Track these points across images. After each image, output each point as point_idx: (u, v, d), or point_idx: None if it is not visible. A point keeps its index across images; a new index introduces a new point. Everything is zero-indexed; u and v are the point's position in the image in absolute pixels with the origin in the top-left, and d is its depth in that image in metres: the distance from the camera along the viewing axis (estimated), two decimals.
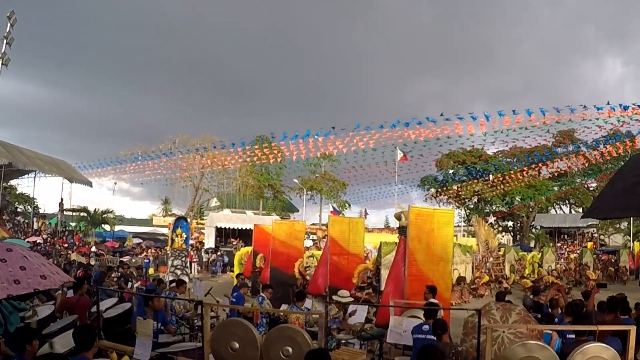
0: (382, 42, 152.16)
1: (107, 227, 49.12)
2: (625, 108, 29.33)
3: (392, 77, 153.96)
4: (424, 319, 8.04)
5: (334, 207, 51.31)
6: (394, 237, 21.57)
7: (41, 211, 47.32)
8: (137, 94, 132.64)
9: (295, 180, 55.76)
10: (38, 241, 33.09)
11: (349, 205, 62.04)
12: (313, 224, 54.70)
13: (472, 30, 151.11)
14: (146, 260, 27.09)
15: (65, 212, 42.81)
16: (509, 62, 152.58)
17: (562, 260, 34.29)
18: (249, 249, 24.32)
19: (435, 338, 6.56)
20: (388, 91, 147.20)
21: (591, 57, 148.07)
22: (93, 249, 35.52)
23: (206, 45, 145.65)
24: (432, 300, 9.61)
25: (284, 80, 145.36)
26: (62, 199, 32.50)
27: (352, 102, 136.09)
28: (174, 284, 13.03)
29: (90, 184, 23.59)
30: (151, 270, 24.95)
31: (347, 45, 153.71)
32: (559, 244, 51.88)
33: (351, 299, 12.54)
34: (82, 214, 47.15)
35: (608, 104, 29.40)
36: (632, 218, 53.43)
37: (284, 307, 11.81)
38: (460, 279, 24.53)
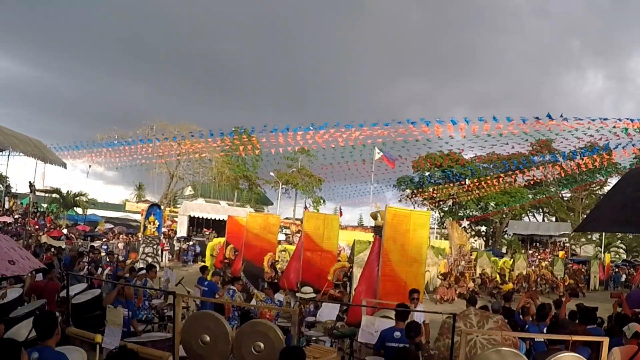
0: (370, 43, 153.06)
1: (79, 210, 48.54)
2: (605, 120, 29.64)
3: (377, 78, 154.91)
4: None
5: (306, 206, 51.41)
6: (368, 236, 21.65)
7: (13, 190, 46.55)
8: (117, 78, 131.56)
9: (272, 174, 55.60)
10: (8, 221, 32.60)
11: (324, 201, 62.20)
12: (287, 218, 54.61)
13: (459, 36, 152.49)
14: (104, 246, 26.73)
15: (37, 193, 42.20)
16: (493, 69, 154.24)
17: (534, 267, 34.61)
18: (222, 239, 24.21)
19: (407, 345, 6.55)
20: (372, 91, 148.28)
21: (574, 69, 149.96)
22: (65, 231, 35.09)
23: (192, 34, 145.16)
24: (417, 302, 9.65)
25: (268, 73, 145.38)
26: (30, 182, 31.89)
27: (336, 100, 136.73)
28: (143, 271, 12.88)
29: (64, 165, 23.15)
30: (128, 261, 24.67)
31: (335, 43, 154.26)
32: (530, 251, 52.39)
33: (313, 295, 12.54)
34: (54, 195, 46.49)
35: (588, 117, 29.70)
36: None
37: (254, 300, 11.75)
38: (445, 275, 24.84)
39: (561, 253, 48.79)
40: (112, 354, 4.54)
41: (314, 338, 9.32)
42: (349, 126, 31.43)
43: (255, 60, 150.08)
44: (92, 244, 29.16)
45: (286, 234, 42.93)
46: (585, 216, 60.53)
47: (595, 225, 6.52)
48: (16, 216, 35.48)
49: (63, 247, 24.26)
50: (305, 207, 48.19)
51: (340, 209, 46.98)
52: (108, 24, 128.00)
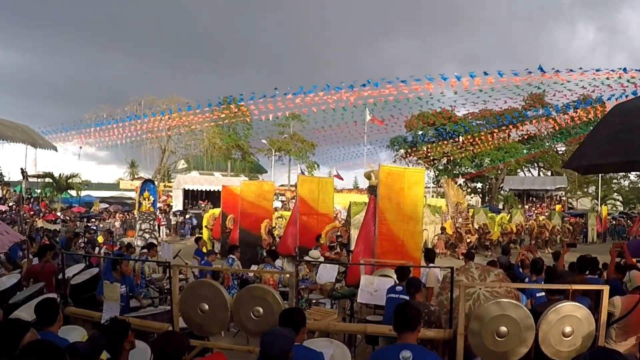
0: (356, 2, 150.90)
1: (73, 193, 48.41)
2: (598, 70, 29.54)
3: (364, 39, 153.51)
4: (395, 278, 8.02)
5: (301, 170, 51.36)
6: (363, 198, 21.60)
7: (5, 179, 46.25)
8: (101, 56, 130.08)
9: (264, 141, 55.43)
10: (3, 209, 32.47)
11: (318, 165, 62.25)
12: (282, 185, 54.63)
13: None
14: (93, 227, 26.70)
15: (30, 179, 41.98)
16: (482, 25, 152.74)
17: (531, 221, 34.74)
18: (217, 211, 24.17)
19: (408, 298, 6.54)
20: (360, 53, 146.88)
21: (564, 23, 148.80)
22: (59, 214, 35.03)
23: (171, 2, 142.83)
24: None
25: (253, 39, 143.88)
26: (21, 168, 31.73)
27: (324, 64, 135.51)
28: (145, 250, 12.84)
29: (55, 149, 22.90)
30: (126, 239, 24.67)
31: (319, 3, 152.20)
32: (527, 206, 52.56)
33: (322, 260, 12.54)
34: (47, 179, 46.27)
35: (580, 68, 29.57)
36: (599, 183, 54.63)
37: (254, 267, 11.75)
38: (442, 229, 25.06)
39: (558, 207, 48.94)
40: (104, 325, 4.47)
41: (314, 301, 9.32)
42: (338, 88, 31.28)
43: (240, 27, 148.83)
44: (88, 224, 29.12)
45: (282, 201, 42.97)
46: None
47: (582, 159, 6.42)
48: (10, 204, 35.31)
49: (58, 230, 24.21)
50: (301, 172, 48.13)
51: (338, 173, 46.80)
52: (88, 1, 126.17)
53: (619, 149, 5.71)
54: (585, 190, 64.02)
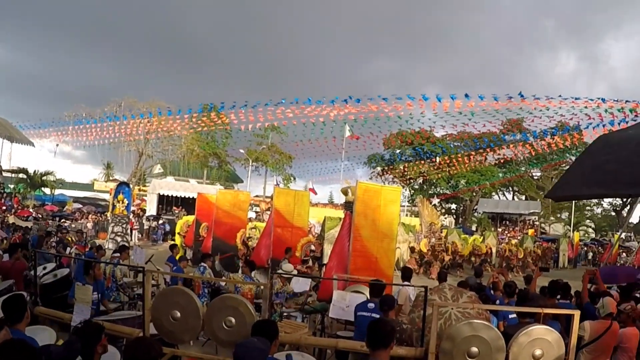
0: (342, 20, 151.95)
1: (47, 191, 47.72)
2: (577, 99, 29.96)
3: (348, 56, 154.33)
4: (368, 295, 8.05)
5: (277, 183, 51.33)
6: (338, 213, 21.69)
7: None
8: (84, 54, 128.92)
9: (242, 151, 55.26)
10: None
11: (294, 178, 62.09)
12: (257, 196, 54.45)
13: (433, 13, 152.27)
14: (66, 227, 26.43)
15: (4, 173, 41.41)
16: (466, 48, 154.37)
17: (503, 244, 35.08)
18: (190, 218, 24.07)
19: (379, 317, 6.57)
20: (344, 69, 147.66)
21: (547, 50, 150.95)
22: (32, 211, 34.54)
23: (159, 8, 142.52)
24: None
25: (238, 49, 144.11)
26: None
27: (307, 78, 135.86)
28: (116, 254, 12.74)
29: (32, 144, 22.65)
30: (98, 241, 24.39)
31: (306, 19, 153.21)
32: (500, 229, 53.03)
33: (295, 273, 12.55)
34: (21, 175, 45.58)
35: (560, 96, 29.97)
36: (572, 209, 55.29)
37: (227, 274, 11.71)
38: (412, 249, 25.20)
39: (531, 231, 49.47)
40: (78, 328, 4.44)
41: (285, 314, 9.32)
42: (319, 102, 31.30)
43: (225, 36, 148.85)
44: (61, 223, 28.78)
45: (256, 212, 42.87)
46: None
47: (566, 189, 6.52)
48: None
49: (30, 227, 23.91)
50: (277, 184, 48.08)
51: (313, 187, 46.84)
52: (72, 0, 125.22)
53: (605, 180, 5.82)
54: (559, 216, 64.84)
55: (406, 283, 9.75)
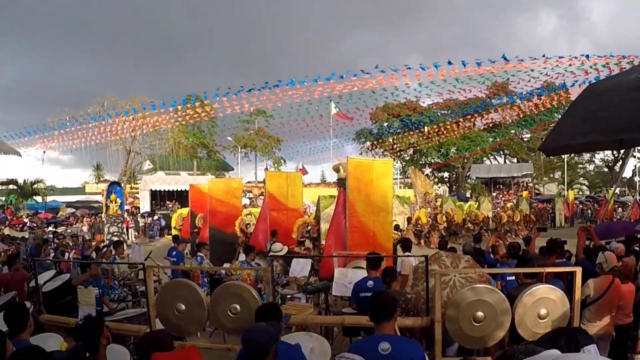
0: None
1: (38, 199, 47.58)
2: (561, 58, 29.96)
3: (326, 31, 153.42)
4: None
5: (267, 167, 51.23)
6: (332, 191, 21.68)
7: None
8: (60, 57, 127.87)
9: (229, 138, 55.08)
10: None
11: (285, 161, 62.08)
12: (249, 182, 54.36)
13: None
14: (62, 233, 26.32)
15: None
16: (444, 15, 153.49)
17: (499, 208, 35.15)
18: (185, 210, 24.03)
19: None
20: (324, 47, 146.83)
21: (526, 11, 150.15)
22: (26, 221, 34.47)
23: (131, 1, 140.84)
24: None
25: (214, 36, 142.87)
26: None
27: (287, 59, 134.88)
28: (107, 249, 12.71)
29: (18, 154, 22.47)
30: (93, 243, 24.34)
31: None
32: (494, 194, 53.10)
33: (286, 250, 12.57)
34: (11, 186, 45.34)
35: (544, 56, 29.95)
36: (565, 168, 55.49)
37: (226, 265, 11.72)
38: (408, 220, 25.31)
39: (525, 193, 49.46)
40: (79, 325, 4.42)
41: (288, 296, 9.34)
42: (303, 82, 31.20)
43: (201, 22, 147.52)
44: (56, 230, 28.69)
45: (250, 198, 42.84)
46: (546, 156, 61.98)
47: (558, 140, 6.49)
48: None
49: (26, 237, 23.83)
50: (267, 169, 48.02)
51: (304, 167, 46.81)
52: (44, 3, 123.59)
53: (599, 128, 5.80)
54: (552, 175, 65.06)
55: (407, 254, 9.77)
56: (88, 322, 4.32)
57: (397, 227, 20.54)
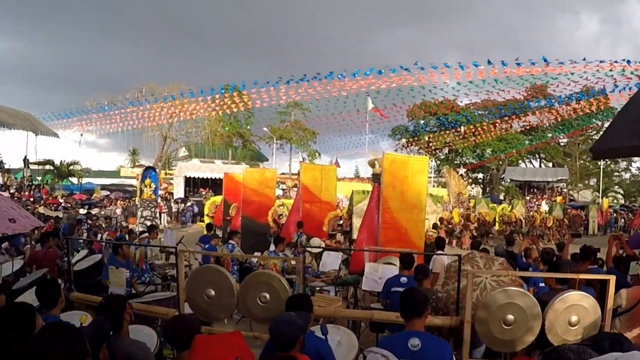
0: None
1: (74, 180, 48.19)
2: (601, 62, 29.42)
3: (365, 26, 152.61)
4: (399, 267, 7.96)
5: (303, 158, 51.30)
6: (365, 186, 21.62)
7: (6, 166, 46.01)
8: (102, 42, 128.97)
9: (265, 129, 55.22)
10: (5, 196, 32.36)
11: (319, 154, 62.01)
12: (283, 174, 54.47)
13: None
14: (96, 215, 26.62)
15: (31, 166, 41.89)
16: (484, 14, 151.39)
17: (532, 212, 34.69)
18: (218, 198, 24.13)
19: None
20: (361, 41, 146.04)
21: (568, 12, 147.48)
22: (61, 201, 34.98)
23: None
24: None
25: (255, 26, 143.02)
26: (25, 157, 31.78)
27: (326, 53, 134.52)
28: (145, 234, 12.80)
29: (56, 135, 22.81)
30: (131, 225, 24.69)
31: None
32: (528, 197, 52.43)
33: (323, 245, 12.56)
34: (48, 167, 46.03)
35: (584, 59, 29.46)
36: (601, 175, 54.56)
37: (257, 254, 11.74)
38: (441, 220, 25.16)
39: (559, 198, 48.83)
40: (102, 302, 4.44)
41: (318, 288, 9.31)
42: (341, 76, 31.12)
43: (242, 13, 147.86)
44: (90, 211, 29.09)
45: (283, 189, 42.93)
46: (582, 161, 61.02)
47: (613, 141, 6.28)
48: (11, 191, 35.21)
49: (60, 216, 24.18)
50: (302, 161, 48.09)
51: (337, 160, 46.81)
52: None
53: None
54: (587, 182, 63.97)
55: (439, 252, 9.66)
56: (111, 299, 4.36)
57: (435, 226, 20.40)
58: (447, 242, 23.66)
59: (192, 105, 42.99)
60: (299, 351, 3.63)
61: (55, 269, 9.13)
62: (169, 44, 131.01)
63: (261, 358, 4.05)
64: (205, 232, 14.58)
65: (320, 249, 11.98)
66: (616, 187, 65.84)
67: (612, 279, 5.29)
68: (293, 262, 8.98)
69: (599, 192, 55.57)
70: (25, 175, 34.06)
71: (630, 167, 64.70)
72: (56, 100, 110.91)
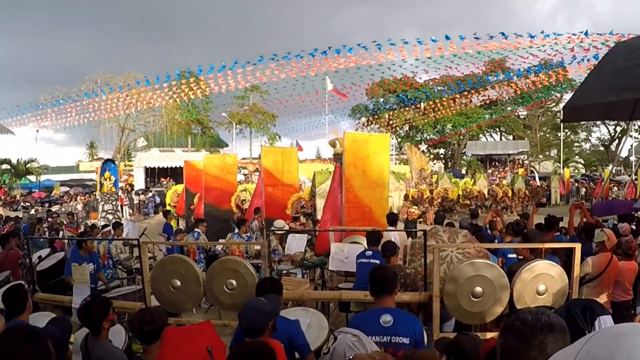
0: None
1: (32, 178, 47.26)
2: (559, 35, 29.77)
3: (322, 5, 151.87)
4: (366, 245, 8.00)
5: (262, 144, 51.10)
6: (327, 167, 21.61)
7: None
8: (52, 34, 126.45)
9: (224, 114, 54.74)
10: None
11: (279, 137, 61.84)
12: (244, 159, 54.22)
13: None
14: (57, 212, 26.06)
15: None
16: None
17: (494, 185, 35.09)
18: (179, 187, 23.93)
19: (378, 262, 6.54)
20: (318, 20, 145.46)
21: None
22: (19, 199, 34.29)
23: None
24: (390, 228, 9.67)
25: (208, 8, 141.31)
26: None
27: (283, 34, 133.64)
28: (107, 228, 12.61)
29: (11, 133, 22.28)
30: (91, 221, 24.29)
31: None
32: (490, 171, 53.00)
33: (287, 229, 12.53)
34: (4, 166, 45.01)
35: (542, 32, 29.74)
36: (562, 146, 55.48)
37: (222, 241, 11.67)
38: (405, 197, 25.30)
39: (521, 170, 49.44)
40: (86, 302, 4.33)
41: (284, 271, 9.29)
42: (299, 56, 30.95)
43: None
44: (50, 208, 28.57)
45: (245, 174, 42.74)
46: (542, 133, 61.90)
47: (587, 98, 6.29)
48: None
49: (20, 216, 23.70)
50: (262, 145, 47.90)
51: (298, 143, 46.71)
52: None
53: (632, 84, 5.57)
54: (547, 153, 65.03)
55: (392, 228, 9.72)
56: (94, 302, 4.24)
57: (416, 203, 20.49)
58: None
59: (149, 94, 42.40)
60: (269, 336, 3.62)
61: (18, 270, 8.95)
62: (122, 33, 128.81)
63: (231, 346, 4.02)
64: (166, 221, 14.43)
65: (284, 231, 11.95)
66: (577, 157, 67.08)
67: (578, 246, 5.38)
68: (257, 247, 8.93)
69: (560, 163, 56.48)
70: None
71: (590, 138, 66.14)
72: (10, 96, 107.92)
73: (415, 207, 17.80)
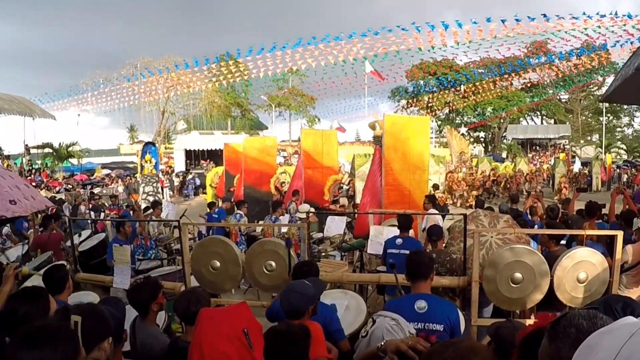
0: None
1: (74, 161, 48.04)
2: (602, 17, 29.01)
3: None
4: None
5: (302, 126, 51.00)
6: (367, 149, 21.48)
7: (5, 153, 45.80)
8: (93, 20, 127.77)
9: (263, 97, 54.87)
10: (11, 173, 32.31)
11: (319, 119, 61.69)
12: (283, 141, 54.26)
13: None
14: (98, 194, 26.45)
15: (30, 150, 41.80)
16: None
17: (536, 170, 34.49)
18: (219, 169, 24.09)
19: (408, 252, 6.44)
20: (356, 2, 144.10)
21: None
22: (62, 182, 34.95)
23: None
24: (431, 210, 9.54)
25: None
26: (25, 144, 31.56)
27: (321, 16, 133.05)
28: (149, 211, 12.75)
29: (53, 118, 22.64)
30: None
31: None
32: (530, 155, 52.19)
33: (312, 210, 12.47)
34: (47, 150, 45.81)
35: (584, 14, 29.02)
36: (604, 131, 54.27)
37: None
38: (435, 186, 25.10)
39: (562, 155, 48.59)
40: (137, 283, 4.36)
41: (323, 253, 9.26)
42: (337, 39, 30.79)
43: None
44: (92, 190, 29.07)
45: (284, 157, 42.82)
46: (584, 117, 60.56)
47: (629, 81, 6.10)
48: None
49: (62, 198, 24.17)
50: (302, 127, 47.97)
51: (340, 124, 46.53)
52: None
53: None
54: (589, 138, 63.63)
55: (433, 212, 9.54)
56: (144, 284, 4.27)
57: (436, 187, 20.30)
58: (454, 202, 23.68)
59: (188, 77, 42.67)
60: (309, 318, 3.62)
61: (60, 251, 9.09)
62: (161, 17, 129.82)
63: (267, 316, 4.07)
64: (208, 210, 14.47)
65: (325, 213, 11.91)
66: (619, 142, 65.48)
67: (620, 234, 5.22)
68: (295, 229, 8.88)
69: (601, 148, 55.26)
70: (24, 160, 33.81)
71: (632, 123, 64.48)
72: (51, 81, 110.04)
73: (442, 193, 17.57)
